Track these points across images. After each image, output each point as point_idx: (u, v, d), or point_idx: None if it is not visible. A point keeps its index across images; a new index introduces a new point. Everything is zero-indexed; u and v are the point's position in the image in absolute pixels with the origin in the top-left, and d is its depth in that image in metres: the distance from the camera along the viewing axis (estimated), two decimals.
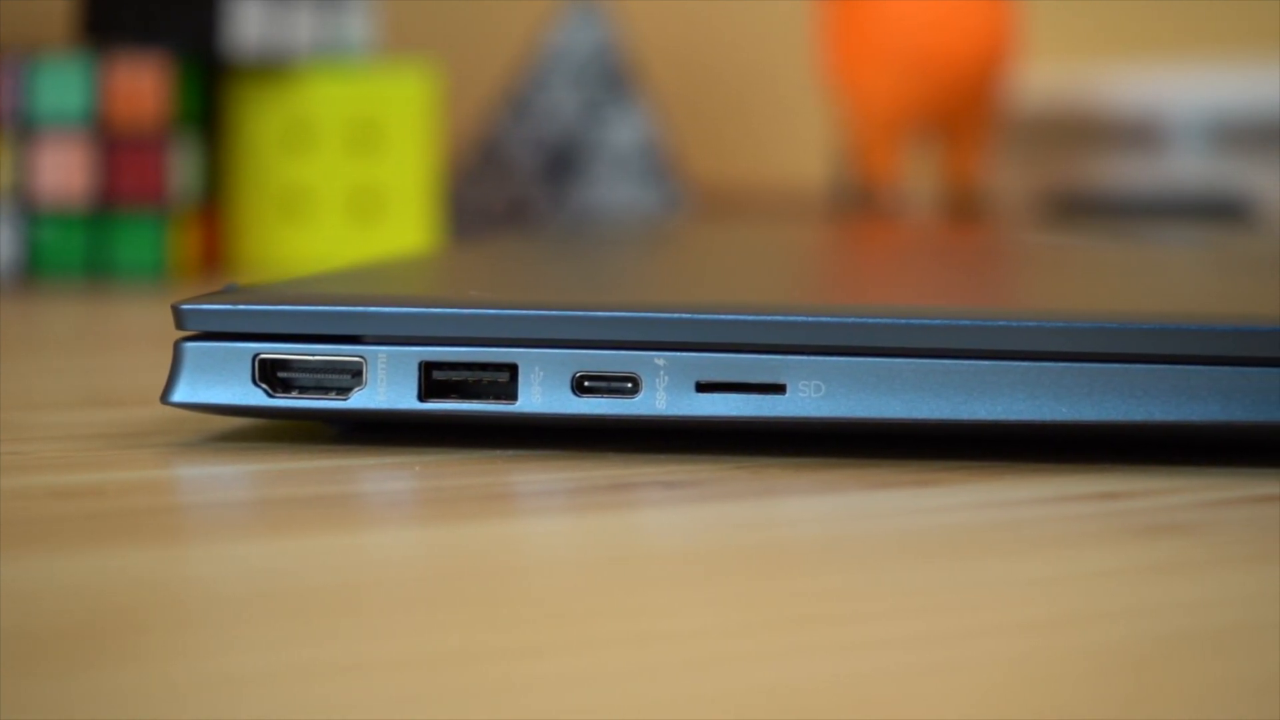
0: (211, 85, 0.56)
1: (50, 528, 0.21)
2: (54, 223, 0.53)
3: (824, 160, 0.91)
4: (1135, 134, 0.76)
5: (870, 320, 0.25)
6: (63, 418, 0.29)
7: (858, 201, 0.73)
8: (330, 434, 0.27)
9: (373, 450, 0.26)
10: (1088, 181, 0.77)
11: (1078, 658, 0.16)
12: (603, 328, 0.25)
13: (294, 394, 0.26)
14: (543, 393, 0.25)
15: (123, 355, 0.36)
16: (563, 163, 0.65)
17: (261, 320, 0.26)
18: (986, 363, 0.25)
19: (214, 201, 0.56)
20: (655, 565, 0.20)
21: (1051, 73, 0.86)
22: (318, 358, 0.26)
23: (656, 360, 0.25)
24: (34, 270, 0.53)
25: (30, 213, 0.53)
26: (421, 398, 0.26)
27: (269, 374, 0.26)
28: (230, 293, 0.26)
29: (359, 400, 0.26)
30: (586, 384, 0.25)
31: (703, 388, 0.25)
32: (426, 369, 0.26)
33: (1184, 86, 0.76)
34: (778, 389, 0.25)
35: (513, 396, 0.25)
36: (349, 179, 0.57)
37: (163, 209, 0.53)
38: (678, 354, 0.25)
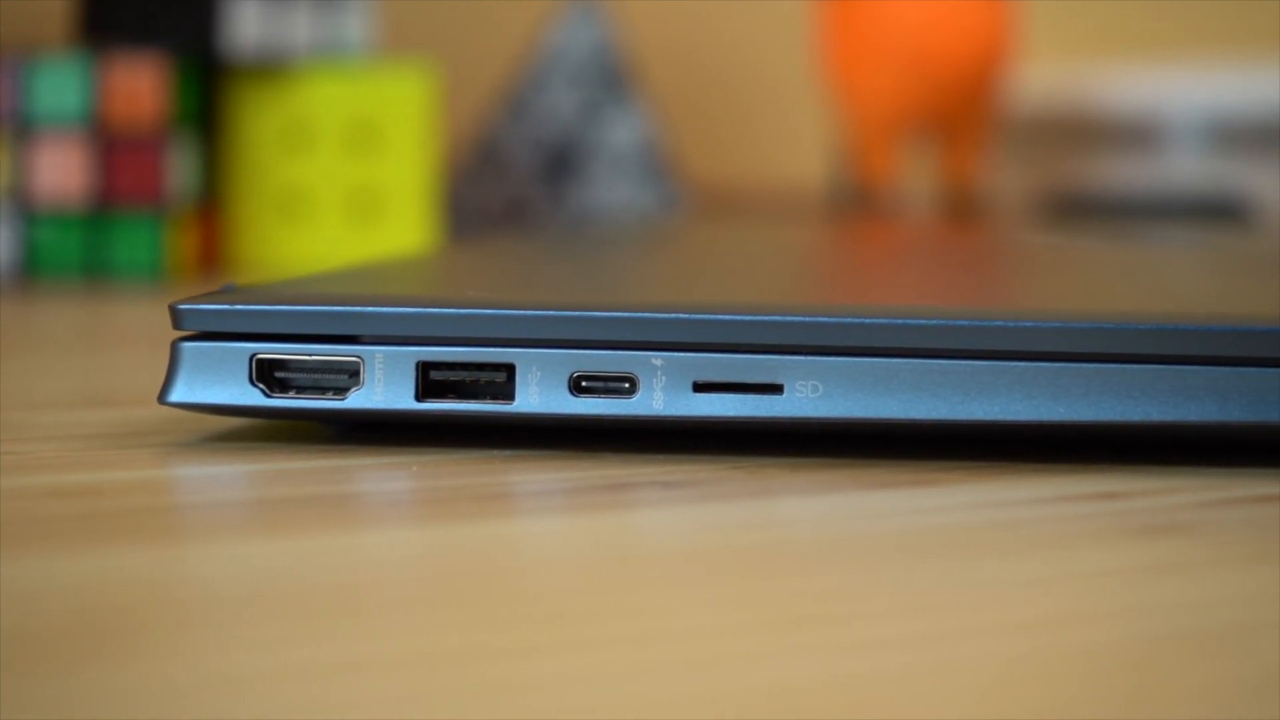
0: (209, 85, 0.56)
1: (48, 528, 0.21)
2: (52, 223, 0.53)
3: (822, 160, 0.91)
4: (1133, 134, 0.76)
5: (868, 320, 0.25)
6: (61, 418, 0.29)
7: (855, 202, 0.73)
8: (327, 434, 0.27)
9: (370, 450, 0.26)
10: (1085, 182, 0.77)
11: (1075, 658, 0.16)
12: (600, 328, 0.25)
13: (291, 394, 0.26)
14: (540, 393, 0.25)
15: (120, 355, 0.36)
16: (561, 163, 0.65)
17: (259, 320, 0.26)
18: (984, 363, 0.25)
19: (212, 201, 0.56)
20: (653, 565, 0.20)
21: (1049, 73, 0.86)
22: (315, 358, 0.26)
23: (654, 360, 0.25)
24: (32, 270, 0.53)
25: (28, 213, 0.53)
26: (419, 398, 0.26)
27: (266, 374, 0.26)
28: (228, 293, 0.26)
29: (356, 400, 0.26)
30: (584, 384, 0.25)
31: (700, 388, 0.25)
32: (424, 369, 0.26)
33: (1182, 87, 0.76)
34: (775, 389, 0.25)
35: (510, 396, 0.25)
36: (347, 179, 0.57)
37: (160, 209, 0.52)
38: (675, 354, 0.25)
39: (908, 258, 0.35)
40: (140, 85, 0.53)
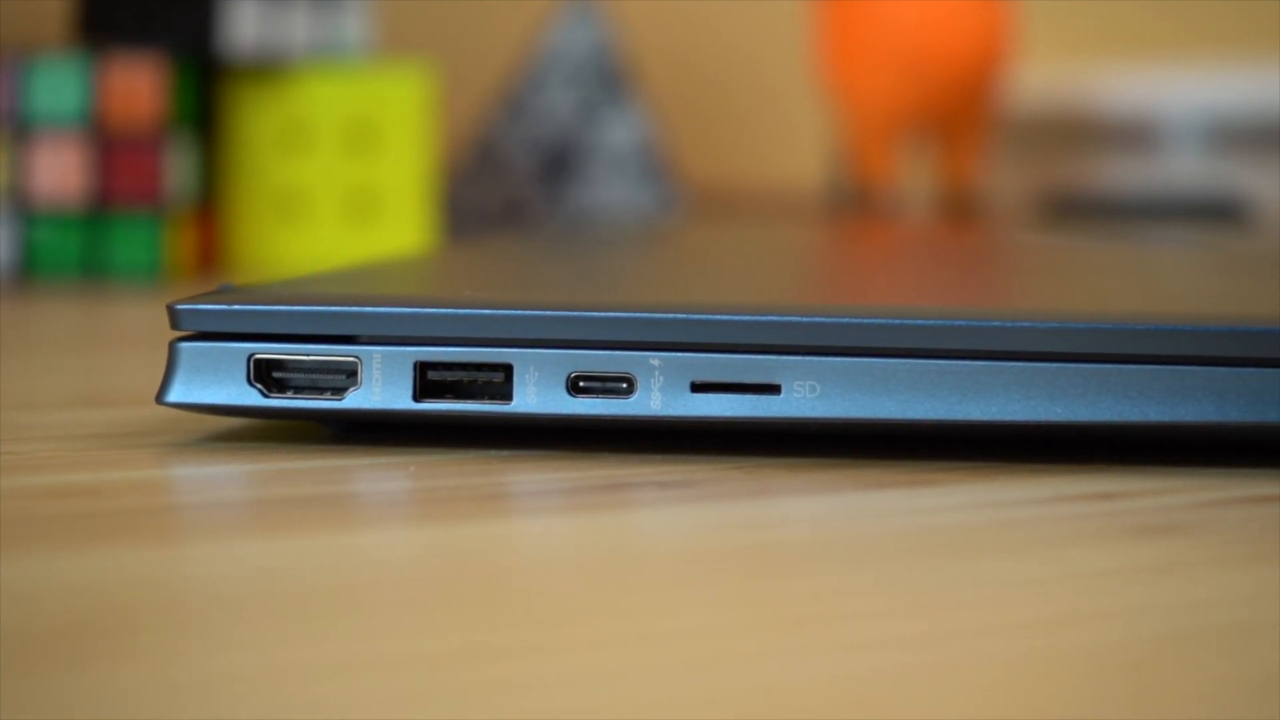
0: (207, 85, 0.56)
1: (46, 527, 0.21)
2: (50, 223, 0.52)
3: (820, 161, 0.91)
4: (1131, 135, 0.76)
5: (865, 321, 0.25)
6: (59, 418, 0.29)
7: (853, 202, 0.73)
8: (325, 434, 0.27)
9: (368, 450, 0.26)
10: (1083, 182, 0.77)
11: (1074, 658, 0.16)
12: (598, 328, 0.25)
13: (289, 394, 0.26)
14: (538, 393, 0.25)
15: (118, 355, 0.36)
16: (559, 163, 0.65)
17: (257, 320, 0.26)
18: (982, 363, 0.25)
19: (210, 202, 0.56)
20: (650, 565, 0.20)
21: (1047, 73, 0.86)
22: (313, 358, 0.26)
23: (652, 360, 0.25)
24: (30, 270, 0.53)
25: (26, 213, 0.53)
26: (416, 398, 0.26)
27: (264, 374, 0.26)
28: (225, 293, 0.26)
29: (354, 400, 0.26)
30: (581, 384, 0.25)
31: (698, 388, 0.25)
32: (421, 369, 0.26)
33: (1180, 87, 0.76)
34: (773, 389, 0.25)
35: (508, 397, 0.25)
36: (345, 179, 0.57)
37: (159, 209, 0.52)
38: (673, 354, 0.25)
39: (905, 258, 0.35)
40: (138, 85, 0.53)
